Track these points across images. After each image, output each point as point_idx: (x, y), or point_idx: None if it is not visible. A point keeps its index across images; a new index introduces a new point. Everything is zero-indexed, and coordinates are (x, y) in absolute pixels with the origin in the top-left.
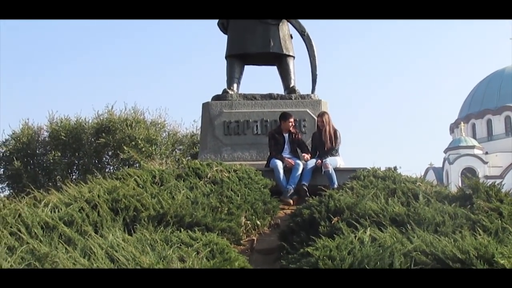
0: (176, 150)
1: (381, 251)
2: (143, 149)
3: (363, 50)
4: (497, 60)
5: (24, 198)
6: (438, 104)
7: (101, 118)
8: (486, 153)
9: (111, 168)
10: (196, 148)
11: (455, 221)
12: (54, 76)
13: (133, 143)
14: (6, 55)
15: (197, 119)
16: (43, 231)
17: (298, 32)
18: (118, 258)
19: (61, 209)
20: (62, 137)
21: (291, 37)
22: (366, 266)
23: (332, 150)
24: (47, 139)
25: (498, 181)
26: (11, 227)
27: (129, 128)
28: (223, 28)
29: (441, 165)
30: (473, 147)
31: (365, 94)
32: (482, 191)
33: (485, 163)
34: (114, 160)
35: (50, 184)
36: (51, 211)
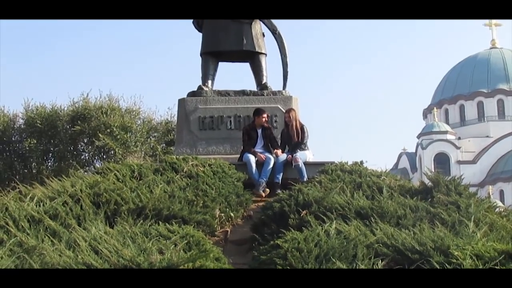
0: (151, 137)
1: (345, 243)
2: (118, 137)
3: (334, 37)
4: (471, 46)
5: (10, 192)
6: (412, 89)
7: (77, 106)
8: (459, 138)
9: (87, 155)
10: (170, 135)
11: (416, 214)
12: (29, 64)
13: (108, 130)
14: None
15: (171, 107)
16: (29, 224)
17: (270, 30)
18: (101, 250)
19: (45, 203)
20: (38, 124)
21: (263, 35)
22: (331, 257)
23: (300, 145)
24: (22, 126)
25: (470, 166)
26: None
27: (104, 116)
28: (198, 26)
29: (414, 150)
30: (446, 132)
31: (340, 82)
32: (442, 184)
33: (458, 148)
34: (90, 147)
35: (26, 171)
36: (36, 205)
